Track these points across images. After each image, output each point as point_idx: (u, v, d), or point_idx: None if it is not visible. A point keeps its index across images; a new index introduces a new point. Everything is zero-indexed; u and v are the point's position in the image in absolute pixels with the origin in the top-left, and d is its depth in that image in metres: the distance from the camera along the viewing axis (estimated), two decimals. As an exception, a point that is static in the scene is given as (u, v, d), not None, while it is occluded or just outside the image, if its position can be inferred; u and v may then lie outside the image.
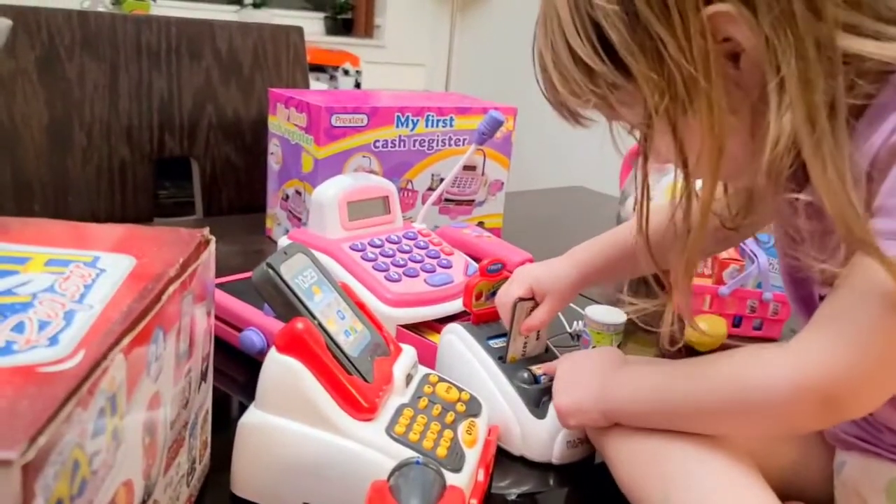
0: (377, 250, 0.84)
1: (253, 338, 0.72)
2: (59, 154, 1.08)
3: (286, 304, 0.53)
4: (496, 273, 0.67)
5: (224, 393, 0.68)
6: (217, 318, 0.78)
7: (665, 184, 1.04)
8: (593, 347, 0.79)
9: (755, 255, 0.90)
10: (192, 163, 1.26)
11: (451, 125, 1.10)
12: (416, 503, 0.41)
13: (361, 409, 0.52)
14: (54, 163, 1.09)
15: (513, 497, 0.60)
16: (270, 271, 0.53)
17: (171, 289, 0.43)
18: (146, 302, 0.39)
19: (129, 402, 0.36)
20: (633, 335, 0.92)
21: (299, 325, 0.52)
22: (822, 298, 0.49)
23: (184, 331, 0.46)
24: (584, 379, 0.60)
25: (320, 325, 0.54)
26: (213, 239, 0.53)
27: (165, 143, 1.21)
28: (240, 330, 0.74)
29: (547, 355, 0.69)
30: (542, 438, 0.62)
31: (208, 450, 0.57)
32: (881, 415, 0.52)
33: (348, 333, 0.56)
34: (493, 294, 0.68)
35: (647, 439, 0.54)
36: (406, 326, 0.78)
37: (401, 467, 0.44)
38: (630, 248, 0.66)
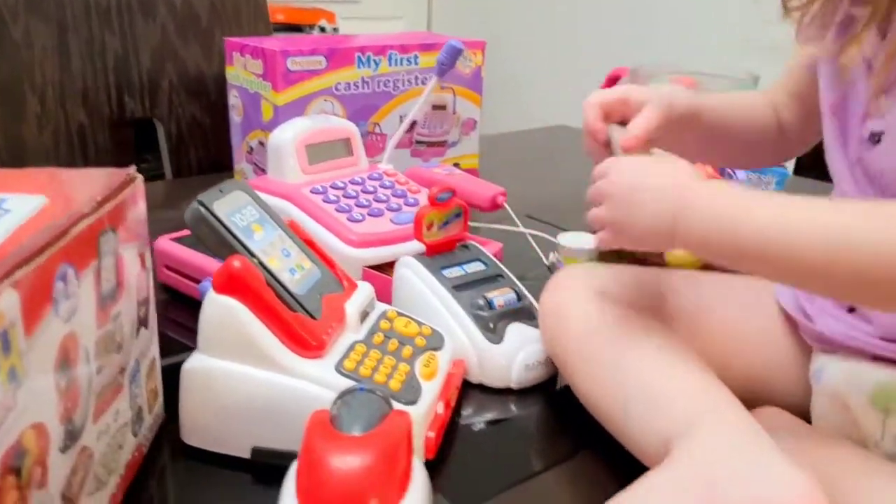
0: (339, 192, 0.81)
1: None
2: (13, 121, 1.05)
3: (221, 243, 0.51)
4: (446, 202, 0.64)
5: (187, 346, 0.66)
6: (175, 271, 0.76)
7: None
8: (566, 276, 0.77)
9: (734, 171, 0.87)
10: (156, 124, 1.22)
11: (415, 63, 1.06)
12: (357, 429, 0.39)
13: (308, 346, 0.50)
14: (9, 131, 1.06)
15: (479, 427, 0.58)
16: (201, 208, 0.50)
17: (81, 224, 0.40)
18: (48, 237, 0.37)
19: (31, 340, 0.34)
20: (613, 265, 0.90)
21: (235, 262, 0.49)
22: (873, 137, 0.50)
23: (106, 271, 0.43)
24: (645, 191, 0.50)
25: (260, 263, 0.51)
26: (140, 178, 0.50)
27: (125, 105, 1.18)
28: (199, 281, 0.72)
29: None
30: (500, 364, 0.60)
31: (160, 399, 0.55)
32: None
33: (294, 271, 0.54)
34: (446, 224, 0.65)
35: (604, 351, 0.52)
36: (374, 267, 0.76)
37: (343, 395, 0.42)
38: (717, 117, 0.64)
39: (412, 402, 0.51)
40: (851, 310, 0.52)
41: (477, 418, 0.59)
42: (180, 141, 1.25)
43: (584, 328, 0.55)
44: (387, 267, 0.74)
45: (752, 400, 0.49)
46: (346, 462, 0.36)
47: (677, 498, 0.41)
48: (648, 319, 0.55)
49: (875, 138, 0.51)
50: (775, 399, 0.55)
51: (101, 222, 0.42)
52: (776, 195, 0.48)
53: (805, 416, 0.53)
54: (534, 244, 0.88)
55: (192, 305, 0.72)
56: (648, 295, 0.59)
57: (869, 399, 0.49)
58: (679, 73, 1.03)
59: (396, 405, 0.49)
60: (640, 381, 0.49)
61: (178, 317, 0.73)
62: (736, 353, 0.57)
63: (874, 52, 0.51)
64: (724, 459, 0.42)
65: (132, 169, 0.50)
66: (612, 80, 1.12)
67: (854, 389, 0.50)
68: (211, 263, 0.73)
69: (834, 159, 0.55)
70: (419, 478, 0.39)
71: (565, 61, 2.86)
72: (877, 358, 0.50)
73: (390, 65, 1.04)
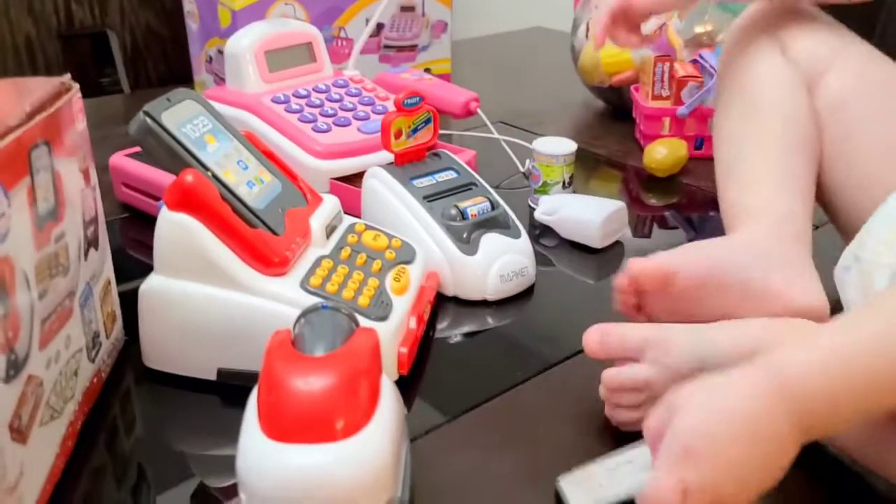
0: (302, 101, 0.77)
1: (170, 205, 0.66)
2: (-48, 33, 0.99)
3: (171, 156, 0.47)
4: (414, 108, 0.61)
5: (149, 266, 0.63)
6: (134, 188, 0.72)
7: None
8: (543, 183, 0.74)
9: (714, 69, 0.84)
10: (108, 34, 1.15)
11: (381, -38, 0.99)
12: (320, 349, 0.37)
13: (270, 262, 0.48)
14: (-51, 43, 0.99)
15: (455, 340, 0.56)
16: (148, 119, 0.47)
17: (8, 138, 0.36)
18: (-33, 153, 0.33)
19: (-46, 266, 0.31)
20: (596, 170, 0.87)
21: (188, 177, 0.46)
22: None
23: (41, 188, 0.40)
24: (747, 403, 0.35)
25: (215, 176, 0.48)
26: (76, 87, 0.46)
27: (73, 14, 1.11)
28: (158, 199, 0.69)
29: None
30: (475, 275, 0.58)
31: (118, 322, 0.53)
32: None
33: (252, 185, 0.51)
34: (415, 131, 0.62)
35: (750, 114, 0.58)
36: (341, 178, 0.73)
37: (306, 314, 0.39)
38: None
39: (382, 318, 0.49)
40: None
41: (452, 331, 0.57)
42: (136, 52, 1.18)
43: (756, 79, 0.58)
44: (356, 178, 0.71)
45: None
46: (308, 385, 0.34)
47: None
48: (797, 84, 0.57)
49: None
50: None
51: (31, 135, 0.39)
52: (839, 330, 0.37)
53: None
54: (509, 151, 0.84)
55: (153, 223, 0.69)
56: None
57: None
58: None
59: (365, 322, 0.47)
60: (754, 158, 0.55)
61: (139, 236, 0.70)
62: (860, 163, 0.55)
63: None
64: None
65: (66, 77, 0.45)
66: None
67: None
68: (170, 179, 0.69)
69: None
70: (388, 398, 0.38)
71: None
72: None
73: (354, -37, 0.98)
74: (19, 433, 0.36)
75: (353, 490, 0.33)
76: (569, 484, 0.42)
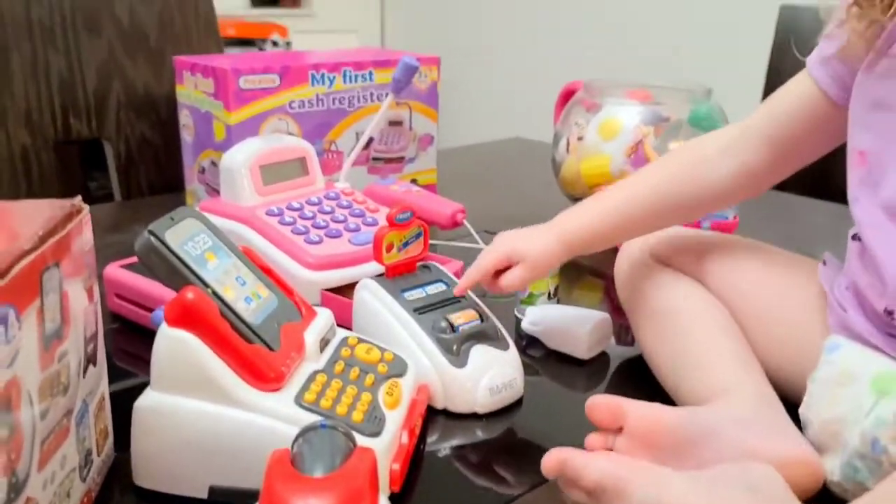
0: (295, 213, 0.80)
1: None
2: (-48, 143, 1.01)
3: (173, 274, 0.49)
4: (406, 222, 0.63)
5: (142, 380, 0.64)
6: (127, 299, 0.73)
7: (599, 120, 1.01)
8: (529, 294, 0.76)
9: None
10: (104, 144, 1.19)
11: (370, 79, 1.05)
12: (319, 469, 0.37)
13: (266, 378, 0.49)
14: (-52, 153, 1.02)
15: (444, 454, 0.57)
16: (152, 238, 0.48)
17: (23, 262, 0.38)
18: (-16, 279, 0.35)
19: (-34, 391, 0.32)
20: (579, 280, 0.90)
21: (189, 294, 0.47)
22: None
23: (50, 309, 0.41)
24: None
25: (214, 293, 0.50)
26: (87, 208, 0.48)
27: (71, 126, 1.14)
28: (151, 310, 0.70)
29: None
30: (464, 388, 0.59)
31: (110, 439, 0.53)
32: None
33: (249, 300, 0.52)
34: (405, 245, 0.64)
35: (663, 312, 0.65)
36: (333, 289, 0.74)
37: (305, 433, 0.40)
38: (621, 213, 0.66)
39: (376, 434, 0.49)
40: (890, 313, 0.53)
41: (442, 445, 0.58)
42: (130, 161, 1.21)
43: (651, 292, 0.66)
44: (346, 289, 0.73)
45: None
46: (309, 507, 0.34)
47: None
48: (699, 289, 0.65)
49: None
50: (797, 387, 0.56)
51: (43, 258, 0.40)
52: None
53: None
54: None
55: (145, 334, 0.70)
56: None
57: (869, 381, 0.50)
58: (632, 87, 1.04)
59: (360, 438, 0.48)
60: (688, 344, 0.60)
61: (130, 347, 0.71)
62: (766, 345, 0.61)
63: None
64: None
65: (78, 199, 0.47)
66: (567, 95, 1.12)
67: (860, 369, 0.51)
68: (163, 291, 0.70)
69: (863, 205, 0.55)
70: (385, 516, 0.38)
71: (520, 74, 2.87)
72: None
73: (345, 82, 1.03)
74: (14, 558, 0.36)
75: None
76: None
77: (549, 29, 2.81)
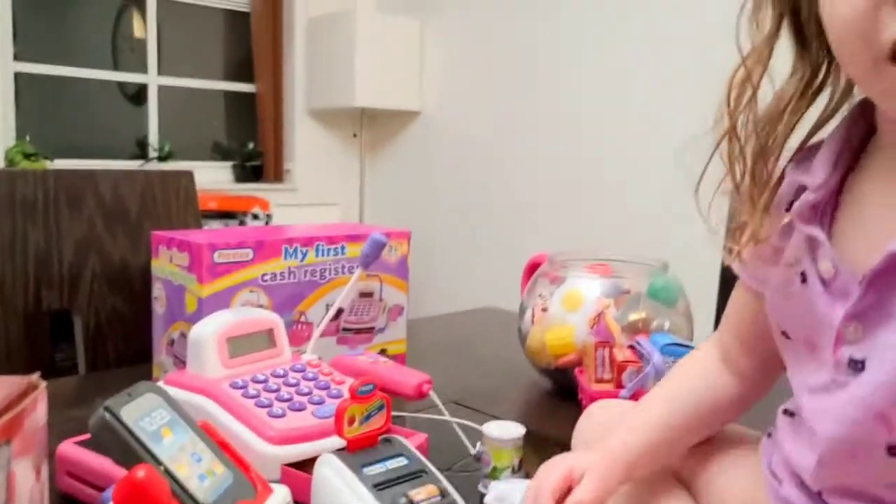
0: (260, 386, 0.80)
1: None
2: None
3: (126, 451, 0.49)
4: (368, 395, 0.64)
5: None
6: (78, 478, 0.71)
7: (562, 293, 1.05)
8: (493, 468, 0.75)
9: (650, 354, 0.90)
10: (73, 316, 1.20)
11: (343, 253, 1.09)
12: None
13: (214, 563, 0.47)
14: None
15: None
16: (107, 415, 0.49)
17: (-31, 443, 0.38)
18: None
19: None
20: (545, 451, 0.89)
21: (140, 472, 0.47)
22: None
23: (-6, 490, 0.40)
24: None
25: (167, 470, 0.49)
26: (43, 384, 0.48)
27: (42, 297, 1.15)
28: (103, 490, 0.67)
29: None
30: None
31: None
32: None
33: (203, 478, 0.51)
34: (368, 418, 0.64)
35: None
36: (295, 463, 0.73)
37: None
38: (678, 422, 0.62)
39: None
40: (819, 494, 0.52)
41: None
42: (98, 332, 1.22)
43: None
44: (308, 462, 0.72)
45: None
46: None
47: None
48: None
49: (857, 366, 0.47)
50: None
51: (-8, 437, 0.40)
52: None
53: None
54: (460, 433, 0.86)
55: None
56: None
57: None
58: (593, 261, 1.08)
59: None
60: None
61: (79, 529, 0.68)
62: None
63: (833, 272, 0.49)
64: None
65: (36, 376, 0.48)
66: (533, 268, 1.16)
67: None
68: (117, 471, 0.69)
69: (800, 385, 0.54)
70: None
71: (488, 247, 2.97)
72: None
73: (317, 255, 1.06)
74: None
75: None
76: None
77: (512, 206, 2.95)
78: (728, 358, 0.64)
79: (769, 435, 0.62)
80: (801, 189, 0.52)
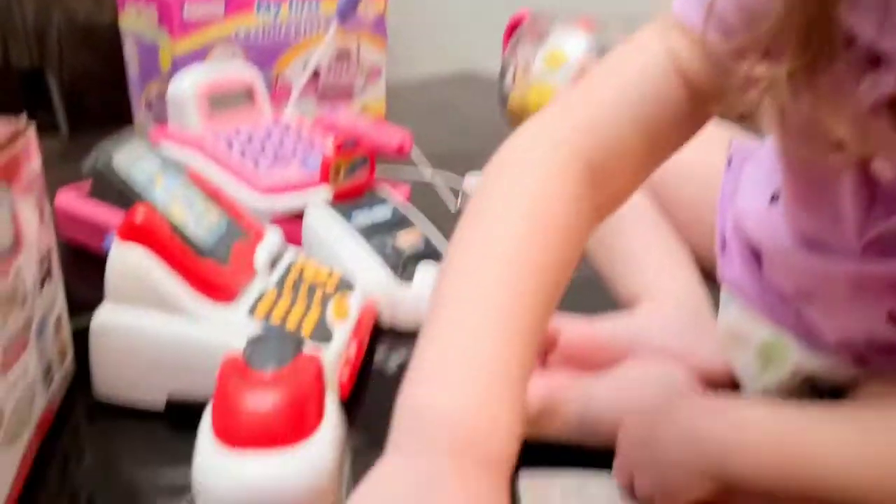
0: (244, 140, 0.81)
1: (116, 242, 0.69)
2: None
3: (123, 194, 0.51)
4: (352, 148, 0.65)
5: (94, 304, 0.65)
6: (81, 225, 0.74)
7: (545, 51, 1.03)
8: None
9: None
10: (46, 75, 1.17)
11: (316, 9, 1.04)
12: (269, 368, 0.40)
13: (218, 294, 0.51)
14: None
15: (392, 370, 0.60)
16: (100, 160, 0.50)
17: (-27, 180, 0.39)
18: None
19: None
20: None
21: (140, 210, 0.49)
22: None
23: (3, 225, 0.43)
24: (672, 445, 0.43)
25: (164, 214, 0.51)
26: (32, 126, 0.49)
27: (10, 52, 1.12)
28: (104, 237, 0.71)
29: None
30: (410, 307, 0.62)
31: (69, 355, 0.55)
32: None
33: (199, 221, 0.54)
34: (352, 171, 0.66)
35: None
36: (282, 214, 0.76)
37: (255, 338, 0.43)
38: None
39: (324, 345, 0.52)
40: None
41: (390, 362, 0.61)
42: (74, 92, 1.19)
43: None
44: (296, 217, 0.75)
45: None
46: (260, 399, 0.37)
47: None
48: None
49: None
50: None
51: (-7, 176, 0.42)
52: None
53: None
54: (441, 190, 0.89)
55: (98, 262, 0.71)
56: None
57: (755, 349, 0.52)
58: (576, 17, 1.06)
59: (308, 348, 0.51)
60: (620, 242, 0.59)
61: (83, 274, 0.71)
62: (698, 233, 0.60)
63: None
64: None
65: (22, 119, 0.48)
66: (515, 25, 1.13)
67: (748, 334, 0.52)
68: (115, 218, 0.71)
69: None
70: (332, 414, 0.41)
71: (470, 3, 2.84)
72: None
73: (291, 12, 1.02)
74: (-18, 455, 0.39)
75: (300, 495, 0.37)
76: (526, 490, 0.45)
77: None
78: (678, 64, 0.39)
79: (729, 162, 0.56)
80: None
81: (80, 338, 0.54)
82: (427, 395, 0.31)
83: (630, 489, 0.46)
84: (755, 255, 0.51)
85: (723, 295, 0.56)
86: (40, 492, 0.46)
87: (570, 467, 0.48)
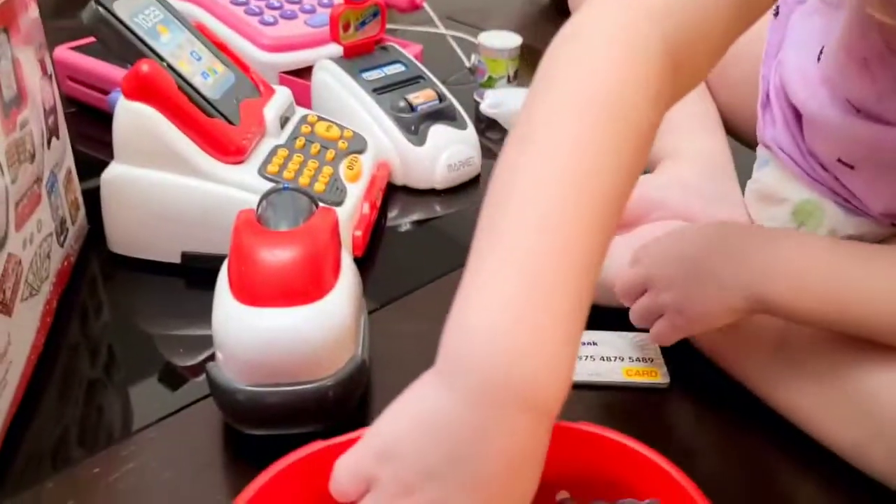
0: (248, -6, 0.77)
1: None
2: None
3: (126, 47, 0.48)
4: (361, 1, 0.62)
5: (100, 160, 0.65)
6: (80, 82, 0.72)
7: None
8: (488, 78, 0.77)
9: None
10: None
11: None
12: (284, 225, 0.40)
13: (227, 151, 0.50)
14: None
15: (405, 227, 0.60)
16: (100, 9, 0.47)
17: (-31, 26, 0.37)
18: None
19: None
20: (537, 63, 0.89)
21: (144, 66, 0.47)
22: None
23: (4, 75, 0.41)
24: (714, 259, 0.41)
25: (170, 66, 0.49)
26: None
27: None
28: (107, 93, 0.69)
29: None
30: (423, 165, 0.61)
31: (82, 211, 0.55)
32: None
33: (206, 75, 0.52)
34: (363, 24, 0.63)
35: None
36: (290, 72, 0.74)
37: (268, 195, 0.42)
38: None
39: (338, 203, 0.52)
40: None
41: (402, 219, 0.61)
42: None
43: None
44: (303, 72, 0.72)
45: None
46: (277, 255, 0.37)
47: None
48: None
49: None
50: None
51: (-10, 23, 0.40)
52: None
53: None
54: (455, 46, 0.86)
55: (102, 119, 0.70)
56: None
57: (791, 209, 0.50)
58: None
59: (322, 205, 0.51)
60: None
61: (88, 131, 0.71)
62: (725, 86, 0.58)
63: None
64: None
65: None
66: None
67: (784, 193, 0.51)
68: (118, 72, 0.69)
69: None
70: (348, 270, 0.41)
71: None
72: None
73: None
74: (4, 306, 0.39)
75: (318, 348, 0.37)
76: None
77: None
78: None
79: (776, 13, 0.53)
80: None
81: (92, 198, 0.53)
82: (483, 328, 0.26)
83: (642, 313, 0.44)
84: (797, 118, 0.50)
85: (760, 153, 0.54)
86: (62, 344, 0.47)
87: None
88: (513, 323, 0.26)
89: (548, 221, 0.28)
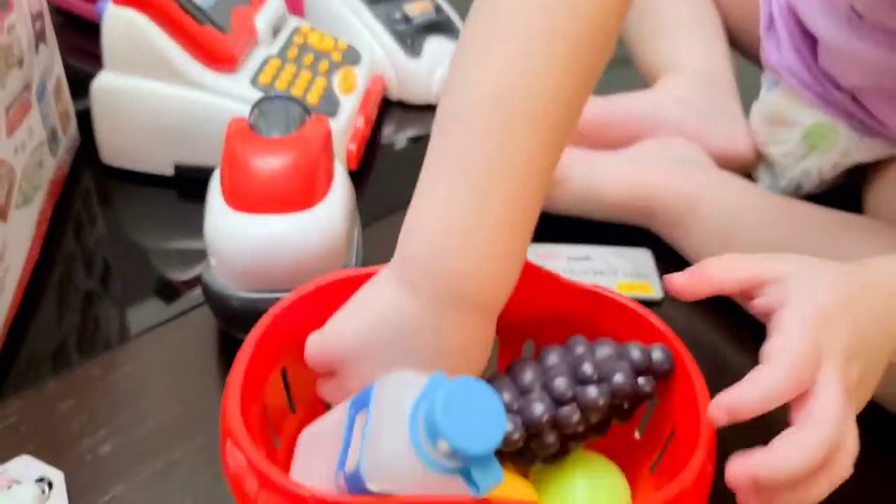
0: None
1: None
2: None
3: (112, -53, 0.47)
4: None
5: (88, 70, 0.64)
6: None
7: None
8: None
9: None
10: None
11: None
12: (276, 133, 0.40)
13: (219, 60, 0.49)
14: None
15: (401, 144, 0.60)
16: None
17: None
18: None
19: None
20: None
21: (134, -30, 0.46)
22: None
23: (-13, -22, 0.40)
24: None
25: (158, -30, 0.48)
26: None
27: None
28: (95, 1, 0.67)
29: None
30: (420, 79, 0.60)
31: (73, 121, 0.54)
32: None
33: (196, -21, 0.51)
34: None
35: None
36: None
37: (260, 103, 0.42)
38: None
39: (331, 115, 0.51)
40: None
41: (398, 135, 0.60)
42: None
43: None
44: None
45: None
46: (269, 162, 0.37)
47: None
48: None
49: None
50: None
51: (-29, -81, 0.38)
52: None
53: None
54: None
55: (91, 29, 0.68)
56: None
57: (802, 133, 0.50)
58: None
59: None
60: (658, 20, 0.57)
61: (76, 41, 0.69)
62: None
63: None
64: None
65: None
66: None
67: (794, 116, 0.50)
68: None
69: None
70: (341, 179, 0.41)
71: None
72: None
73: None
74: (1, 212, 0.39)
75: (311, 255, 0.38)
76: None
77: None
78: None
79: None
80: None
81: (83, 115, 0.53)
82: (436, 229, 0.29)
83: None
84: (807, 40, 0.48)
85: (766, 77, 0.53)
86: (56, 254, 0.47)
87: (575, 242, 0.49)
88: (459, 228, 0.28)
89: (499, 125, 0.29)
